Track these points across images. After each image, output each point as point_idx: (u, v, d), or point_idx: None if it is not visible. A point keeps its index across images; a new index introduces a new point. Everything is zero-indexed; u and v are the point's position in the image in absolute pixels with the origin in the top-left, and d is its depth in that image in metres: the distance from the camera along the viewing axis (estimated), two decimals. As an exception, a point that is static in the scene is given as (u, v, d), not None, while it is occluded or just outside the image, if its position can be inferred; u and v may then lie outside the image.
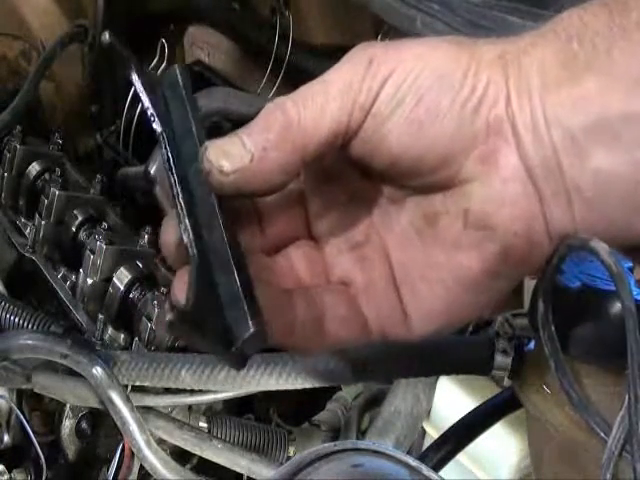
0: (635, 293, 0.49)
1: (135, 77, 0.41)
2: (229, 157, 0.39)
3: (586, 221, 0.39)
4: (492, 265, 0.40)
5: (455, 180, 0.40)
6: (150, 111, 0.40)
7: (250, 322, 0.37)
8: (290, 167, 0.39)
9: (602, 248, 0.38)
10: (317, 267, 0.44)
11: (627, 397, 0.39)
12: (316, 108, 0.39)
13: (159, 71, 1.12)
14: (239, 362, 0.38)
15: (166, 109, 0.41)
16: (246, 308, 0.37)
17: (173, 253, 0.41)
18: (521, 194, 0.39)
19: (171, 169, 0.40)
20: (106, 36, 0.40)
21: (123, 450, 0.74)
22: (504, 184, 0.39)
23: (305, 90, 0.40)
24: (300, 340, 0.42)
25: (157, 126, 0.40)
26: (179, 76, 0.42)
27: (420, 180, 0.41)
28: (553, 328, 0.45)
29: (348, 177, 0.44)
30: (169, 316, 0.37)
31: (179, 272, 0.41)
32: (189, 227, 0.39)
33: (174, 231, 0.41)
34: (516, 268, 0.41)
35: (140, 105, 1.10)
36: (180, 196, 0.39)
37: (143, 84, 0.41)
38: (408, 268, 0.43)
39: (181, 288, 0.39)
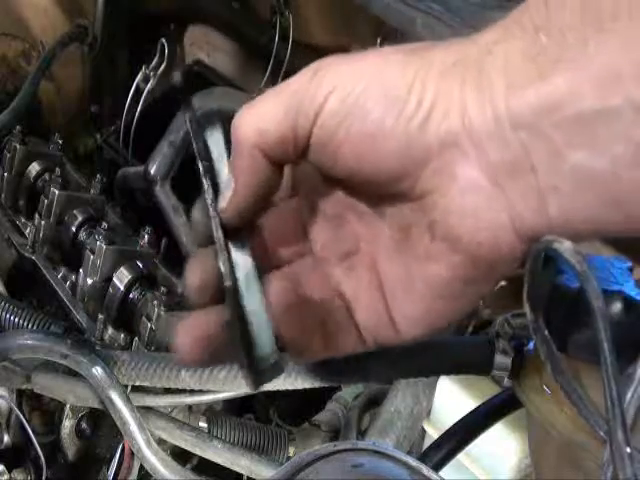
0: (635, 293, 0.49)
1: (189, 122, 0.43)
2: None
3: (562, 219, 0.38)
4: (461, 273, 0.41)
5: (416, 192, 0.40)
6: (198, 153, 0.43)
7: (273, 352, 0.42)
8: (262, 173, 0.42)
9: (566, 248, 0.37)
10: (318, 279, 0.46)
11: (606, 397, 0.39)
12: (264, 114, 0.41)
13: (159, 71, 1.12)
14: (256, 384, 0.42)
15: (207, 151, 0.44)
16: (271, 337, 0.42)
17: (197, 294, 0.44)
18: (482, 205, 0.39)
19: (213, 210, 0.43)
20: (178, 77, 0.43)
21: (123, 450, 0.74)
22: (462, 196, 0.39)
23: (258, 99, 0.42)
24: (304, 347, 0.44)
25: (201, 168, 0.43)
26: (217, 123, 0.45)
27: (383, 190, 0.42)
28: (546, 332, 0.45)
29: (335, 191, 0.45)
30: None
31: (196, 314, 0.44)
32: (226, 259, 0.42)
33: (200, 273, 0.43)
34: (487, 273, 0.41)
35: (140, 105, 1.10)
36: (219, 231, 0.43)
37: (194, 128, 0.43)
38: (391, 278, 0.44)
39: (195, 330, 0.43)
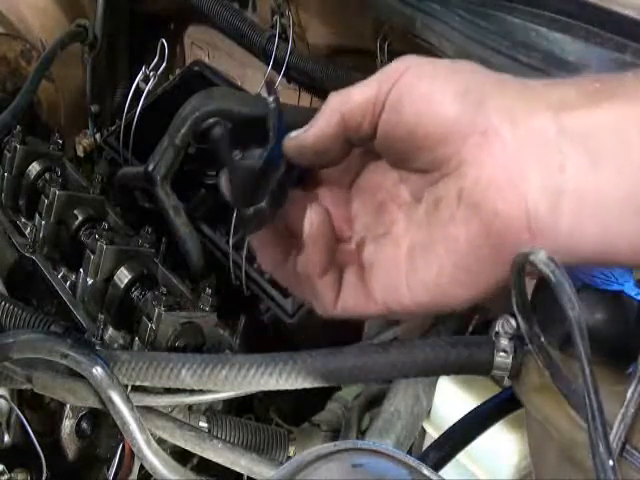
0: (635, 293, 0.49)
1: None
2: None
3: (572, 231, 0.42)
4: (474, 239, 0.45)
5: (455, 161, 0.46)
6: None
7: (265, 199, 0.51)
8: (334, 129, 0.50)
9: (540, 259, 0.38)
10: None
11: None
12: (355, 86, 0.50)
13: (159, 71, 1.12)
14: (248, 227, 0.53)
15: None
16: (270, 190, 0.51)
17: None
18: (510, 182, 0.43)
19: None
20: (218, 131, 0.59)
21: (123, 450, 0.74)
22: (494, 170, 0.44)
23: None
24: (318, 288, 0.52)
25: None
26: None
27: (429, 155, 0.47)
28: (542, 338, 0.45)
29: (384, 183, 0.54)
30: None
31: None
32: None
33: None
34: (496, 252, 0.45)
35: (140, 105, 1.10)
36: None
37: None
38: (415, 243, 0.50)
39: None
